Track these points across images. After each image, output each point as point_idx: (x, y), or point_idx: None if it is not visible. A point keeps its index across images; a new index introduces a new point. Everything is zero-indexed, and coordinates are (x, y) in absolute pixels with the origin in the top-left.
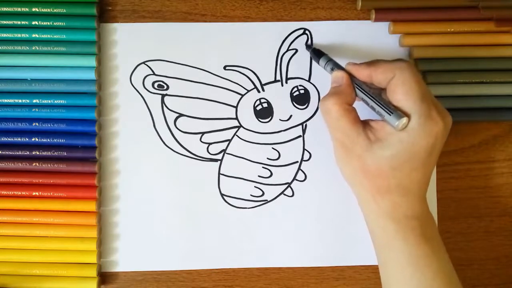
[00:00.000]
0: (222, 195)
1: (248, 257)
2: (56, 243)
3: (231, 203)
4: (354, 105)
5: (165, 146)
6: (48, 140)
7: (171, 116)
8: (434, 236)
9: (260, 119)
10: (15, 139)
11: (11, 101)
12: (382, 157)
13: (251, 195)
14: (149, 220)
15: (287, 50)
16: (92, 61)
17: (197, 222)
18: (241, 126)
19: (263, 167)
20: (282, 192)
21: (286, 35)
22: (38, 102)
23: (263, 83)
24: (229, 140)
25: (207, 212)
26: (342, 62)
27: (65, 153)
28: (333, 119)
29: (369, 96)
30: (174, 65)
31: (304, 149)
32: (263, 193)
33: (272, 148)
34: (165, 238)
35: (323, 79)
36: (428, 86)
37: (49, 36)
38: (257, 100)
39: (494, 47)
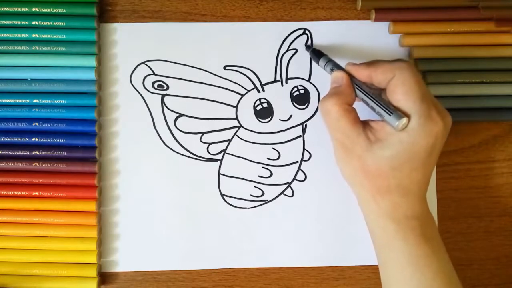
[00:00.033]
0: (222, 195)
1: (248, 257)
2: (56, 243)
3: (231, 203)
4: (354, 106)
5: (165, 146)
6: (48, 140)
7: (171, 116)
8: (434, 236)
9: (260, 119)
10: (15, 139)
11: (11, 101)
12: (382, 157)
13: (251, 195)
14: (149, 220)
15: (287, 50)
16: (92, 61)
17: (197, 222)
18: (241, 126)
19: (263, 167)
20: (282, 192)
21: (286, 35)
22: (38, 102)
23: (263, 83)
24: (229, 140)
25: (207, 212)
26: (342, 62)
27: (65, 153)
28: (333, 120)
29: (369, 96)
30: (174, 65)
31: (304, 149)
32: (263, 193)
33: (272, 148)
34: (165, 238)
35: (323, 79)
36: (428, 86)
37: (49, 36)
38: (257, 100)
39: (494, 47)
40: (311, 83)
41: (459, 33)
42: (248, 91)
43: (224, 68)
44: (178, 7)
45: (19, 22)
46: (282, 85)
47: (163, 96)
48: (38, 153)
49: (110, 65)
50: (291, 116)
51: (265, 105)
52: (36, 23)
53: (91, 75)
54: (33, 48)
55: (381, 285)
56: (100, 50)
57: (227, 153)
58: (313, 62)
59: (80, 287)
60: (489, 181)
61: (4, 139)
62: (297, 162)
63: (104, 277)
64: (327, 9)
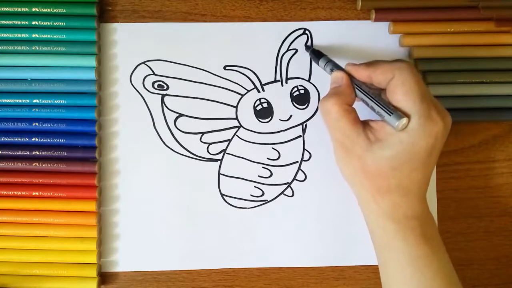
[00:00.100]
0: (222, 195)
1: (248, 257)
2: (56, 243)
3: (231, 203)
4: (354, 106)
5: (165, 146)
6: (48, 140)
7: (171, 116)
8: (434, 236)
9: (260, 119)
10: (15, 139)
11: (11, 101)
12: (382, 158)
13: (251, 195)
14: (149, 220)
15: (287, 50)
16: (92, 61)
17: (197, 222)
18: (241, 126)
19: (263, 167)
20: (282, 192)
21: (286, 35)
22: (38, 102)
23: (263, 83)
24: (229, 140)
25: (207, 212)
26: (342, 62)
27: (65, 153)
28: (333, 120)
29: (369, 96)
30: (174, 65)
31: (304, 149)
32: (263, 193)
33: (272, 148)
34: (165, 238)
35: (323, 79)
36: (428, 86)
37: (49, 36)
38: (257, 100)
39: (494, 47)
40: (311, 83)
41: (459, 33)
42: (248, 91)
43: (224, 68)
44: (178, 7)
45: (19, 22)
46: (282, 85)
47: (163, 96)
48: (38, 153)
49: (110, 65)
50: (291, 116)
51: (265, 105)
52: (36, 23)
53: (91, 75)
54: (33, 48)
55: (381, 285)
56: (100, 50)
57: (227, 153)
58: (313, 62)
59: (80, 287)
60: (489, 181)
61: (4, 139)
62: (297, 162)
63: (104, 277)
64: (327, 9)
